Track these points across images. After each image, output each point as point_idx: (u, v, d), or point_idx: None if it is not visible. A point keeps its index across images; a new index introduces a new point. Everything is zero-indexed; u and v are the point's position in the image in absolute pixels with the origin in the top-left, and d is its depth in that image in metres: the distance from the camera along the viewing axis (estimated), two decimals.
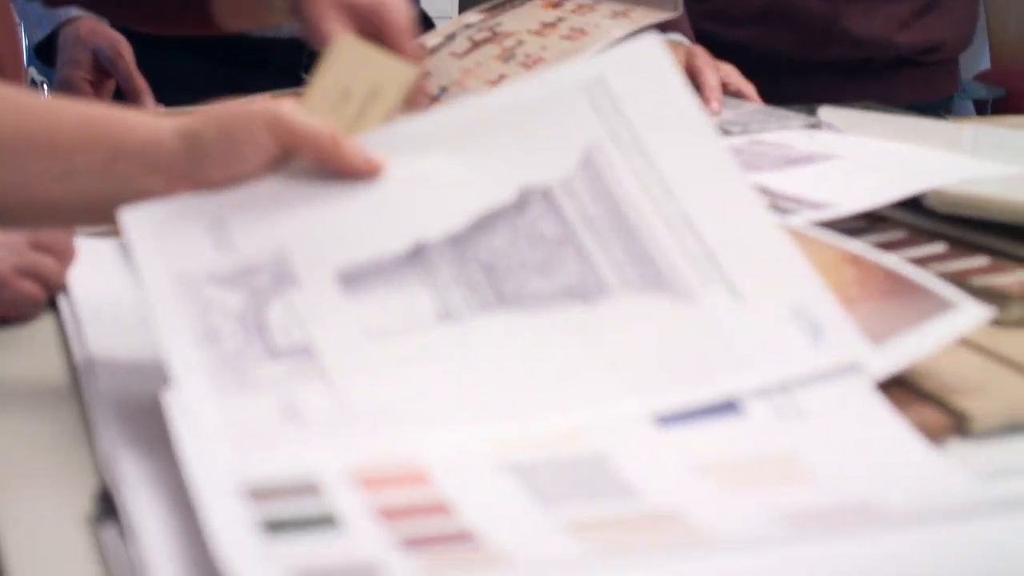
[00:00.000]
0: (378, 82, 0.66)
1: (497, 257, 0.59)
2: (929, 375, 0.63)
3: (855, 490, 0.50)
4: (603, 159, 0.62)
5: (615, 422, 0.53)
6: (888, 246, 0.76)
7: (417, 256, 0.59)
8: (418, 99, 0.75)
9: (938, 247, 0.81)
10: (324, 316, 0.56)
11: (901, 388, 0.61)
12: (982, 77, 3.08)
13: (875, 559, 0.40)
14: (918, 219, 0.88)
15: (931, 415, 0.59)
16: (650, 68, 0.64)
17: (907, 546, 0.41)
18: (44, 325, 0.72)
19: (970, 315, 0.61)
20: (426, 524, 0.45)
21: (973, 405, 0.60)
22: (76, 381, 0.64)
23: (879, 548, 0.40)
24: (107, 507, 0.50)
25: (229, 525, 0.44)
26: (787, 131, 1.09)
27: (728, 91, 1.30)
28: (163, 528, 0.47)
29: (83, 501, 0.52)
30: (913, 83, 1.52)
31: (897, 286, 0.64)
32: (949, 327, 0.60)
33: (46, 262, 0.72)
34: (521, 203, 0.61)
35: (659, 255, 0.59)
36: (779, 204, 0.83)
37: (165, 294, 0.57)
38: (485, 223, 0.60)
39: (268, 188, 0.61)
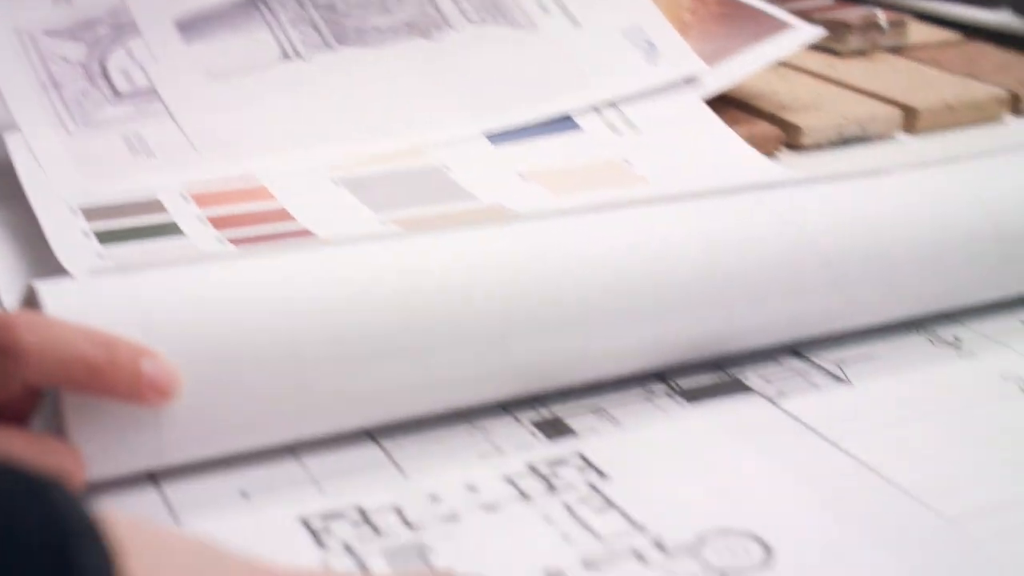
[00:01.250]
0: None
1: None
2: (763, 96, 0.65)
3: (682, 187, 0.52)
4: None
5: (453, 140, 0.55)
6: None
7: (256, 0, 0.60)
8: None
9: None
10: (166, 60, 0.57)
11: (736, 108, 0.64)
12: None
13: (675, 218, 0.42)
14: None
15: (763, 128, 0.61)
16: None
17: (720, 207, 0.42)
18: None
19: (802, 33, 0.63)
20: (262, 228, 0.47)
21: (804, 119, 0.63)
22: None
23: (682, 210, 0.42)
24: None
25: (70, 235, 0.45)
26: None
27: None
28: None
29: None
30: None
31: (732, 10, 0.65)
32: (781, 44, 0.62)
33: None
34: None
35: None
36: None
37: (3, 46, 0.57)
38: None
39: None
